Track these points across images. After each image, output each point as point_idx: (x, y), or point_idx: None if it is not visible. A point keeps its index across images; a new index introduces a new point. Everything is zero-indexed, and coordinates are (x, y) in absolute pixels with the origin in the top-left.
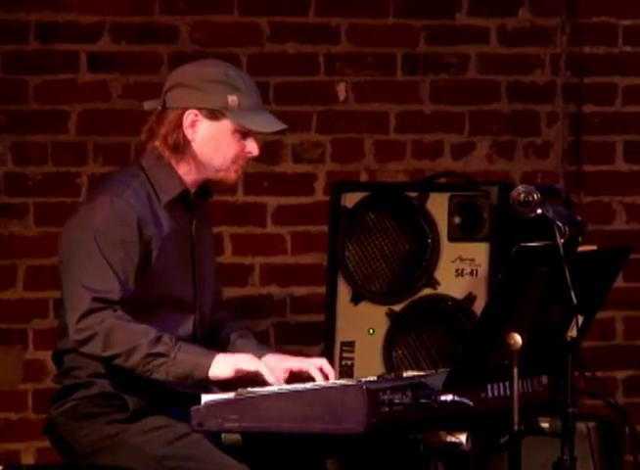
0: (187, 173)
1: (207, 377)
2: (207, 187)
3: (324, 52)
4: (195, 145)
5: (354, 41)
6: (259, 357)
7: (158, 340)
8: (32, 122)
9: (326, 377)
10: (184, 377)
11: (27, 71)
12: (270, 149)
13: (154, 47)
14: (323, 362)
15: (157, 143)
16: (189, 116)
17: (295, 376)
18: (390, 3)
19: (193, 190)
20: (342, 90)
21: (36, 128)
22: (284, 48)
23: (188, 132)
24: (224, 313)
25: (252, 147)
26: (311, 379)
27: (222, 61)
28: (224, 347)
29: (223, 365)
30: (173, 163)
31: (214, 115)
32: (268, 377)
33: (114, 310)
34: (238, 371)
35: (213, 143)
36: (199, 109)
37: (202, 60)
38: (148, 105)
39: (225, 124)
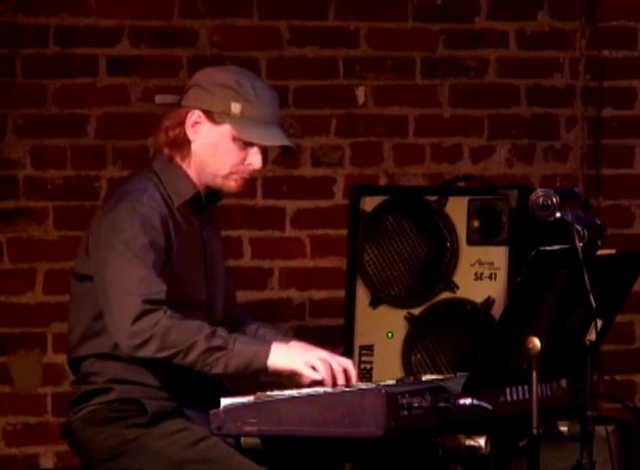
0: (193, 175)
1: (266, 366)
2: (216, 191)
3: (343, 56)
4: (194, 146)
5: (374, 45)
6: (285, 343)
7: (213, 334)
8: (51, 126)
9: (348, 380)
10: (243, 368)
11: (47, 75)
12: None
13: (173, 51)
14: (348, 364)
15: (160, 139)
16: (192, 115)
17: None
18: (410, 7)
19: (202, 192)
20: (361, 94)
21: (55, 132)
22: (303, 52)
23: (189, 132)
24: (240, 310)
25: (254, 159)
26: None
27: (245, 70)
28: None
29: (281, 356)
30: (180, 162)
31: (215, 118)
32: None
33: (165, 311)
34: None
35: (212, 147)
36: (202, 110)
37: (227, 65)
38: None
39: (225, 130)
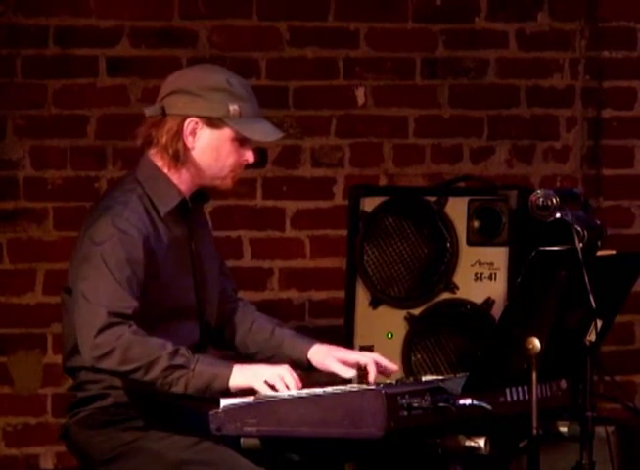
0: (183, 181)
1: (228, 388)
2: (203, 191)
3: (343, 56)
4: (194, 153)
5: (373, 46)
6: (308, 348)
7: (176, 353)
8: (51, 127)
9: (383, 372)
10: (203, 389)
11: (47, 76)
12: (289, 153)
13: (173, 51)
14: (378, 357)
15: (154, 150)
16: (189, 124)
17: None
18: (410, 7)
19: (188, 196)
20: (361, 94)
21: (55, 133)
22: (303, 52)
23: (188, 140)
24: (235, 299)
25: (249, 155)
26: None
27: (222, 67)
28: (247, 330)
29: (242, 375)
30: (171, 171)
31: (215, 123)
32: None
33: (130, 326)
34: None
35: (213, 151)
36: (199, 117)
37: (201, 65)
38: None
39: (225, 133)
